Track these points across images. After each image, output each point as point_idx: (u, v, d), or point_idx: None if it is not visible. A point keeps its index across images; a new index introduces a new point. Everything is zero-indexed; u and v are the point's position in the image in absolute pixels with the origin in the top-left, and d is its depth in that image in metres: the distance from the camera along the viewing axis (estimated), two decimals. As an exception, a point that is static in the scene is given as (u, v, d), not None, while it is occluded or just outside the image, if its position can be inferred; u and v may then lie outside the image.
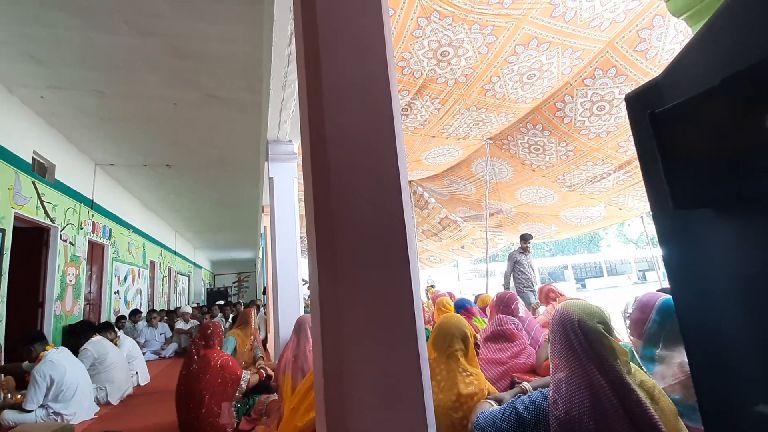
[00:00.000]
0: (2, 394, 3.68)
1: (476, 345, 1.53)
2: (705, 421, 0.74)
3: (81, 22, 3.33)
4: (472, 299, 4.15)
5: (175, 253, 12.81)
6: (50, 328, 5.04)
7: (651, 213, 0.82)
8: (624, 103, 4.12)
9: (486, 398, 1.38)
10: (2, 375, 3.90)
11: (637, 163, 4.81)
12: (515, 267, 5.99)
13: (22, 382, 3.86)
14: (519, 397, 1.20)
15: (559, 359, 1.11)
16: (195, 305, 10.17)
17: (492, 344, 1.96)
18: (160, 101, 4.64)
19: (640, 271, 27.05)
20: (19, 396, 3.53)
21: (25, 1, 3.08)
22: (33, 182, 4.82)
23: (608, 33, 3.62)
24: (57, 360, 3.26)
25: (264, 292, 9.78)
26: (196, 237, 14.23)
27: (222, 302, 10.62)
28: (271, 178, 3.93)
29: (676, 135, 0.75)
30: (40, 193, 4.96)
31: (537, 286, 5.65)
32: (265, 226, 6.56)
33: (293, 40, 2.31)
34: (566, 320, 1.13)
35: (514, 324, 2.03)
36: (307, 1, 0.99)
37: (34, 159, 4.88)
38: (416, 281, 0.85)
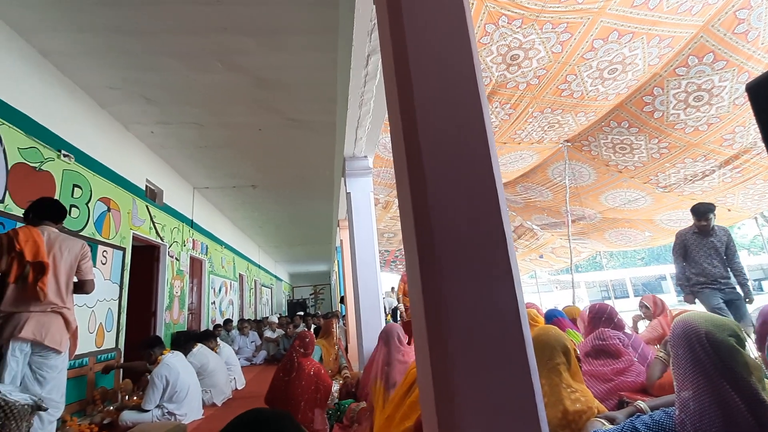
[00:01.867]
0: (120, 396, 4.08)
1: (578, 359, 1.44)
2: None
3: (183, 65, 3.81)
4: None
5: (259, 266, 13.79)
6: (161, 334, 5.69)
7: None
8: (723, 92, 3.68)
9: (596, 416, 1.29)
10: (121, 378, 4.35)
11: (747, 157, 4.26)
12: (686, 255, 3.98)
13: (138, 382, 4.33)
14: (638, 416, 1.11)
15: (684, 376, 1.00)
16: (278, 315, 10.84)
17: (593, 359, 1.82)
18: (246, 128, 5.11)
19: (755, 280, 23.38)
20: (136, 398, 3.87)
21: (138, 51, 3.60)
22: (146, 206, 5.54)
23: (701, 17, 3.28)
24: (172, 363, 3.54)
25: (341, 301, 10.11)
26: (276, 251, 15.22)
27: (302, 312, 11.18)
28: (348, 193, 4.10)
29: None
30: (152, 215, 5.68)
31: (727, 277, 3.83)
32: (341, 240, 6.81)
33: (369, 61, 2.43)
34: (691, 333, 1.03)
35: (618, 338, 1.87)
36: (395, 21, 1.04)
37: (146, 186, 5.62)
38: (519, 288, 0.84)
